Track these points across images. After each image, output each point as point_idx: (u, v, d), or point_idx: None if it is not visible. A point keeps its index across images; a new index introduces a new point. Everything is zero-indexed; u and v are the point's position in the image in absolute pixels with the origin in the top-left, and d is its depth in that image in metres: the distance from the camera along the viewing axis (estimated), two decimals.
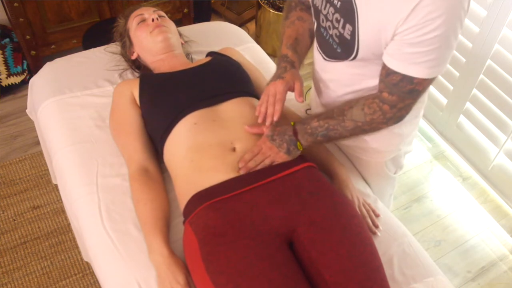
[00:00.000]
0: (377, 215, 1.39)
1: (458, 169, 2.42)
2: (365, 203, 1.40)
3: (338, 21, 1.16)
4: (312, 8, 1.28)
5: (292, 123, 1.29)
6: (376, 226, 1.37)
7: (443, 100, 2.42)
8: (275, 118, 1.26)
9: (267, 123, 1.27)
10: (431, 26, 1.01)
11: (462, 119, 2.35)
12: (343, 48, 1.20)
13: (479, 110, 2.22)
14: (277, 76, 1.29)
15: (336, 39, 1.21)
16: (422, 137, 2.56)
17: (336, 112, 1.24)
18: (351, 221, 1.20)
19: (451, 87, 2.32)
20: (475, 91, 2.20)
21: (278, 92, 1.26)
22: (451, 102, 2.36)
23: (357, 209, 1.36)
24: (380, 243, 1.32)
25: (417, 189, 2.33)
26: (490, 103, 2.14)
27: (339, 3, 1.14)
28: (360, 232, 1.19)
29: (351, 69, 1.24)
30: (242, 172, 1.24)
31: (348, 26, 1.14)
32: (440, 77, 2.36)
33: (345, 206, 1.23)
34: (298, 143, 1.27)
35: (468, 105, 2.27)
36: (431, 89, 2.45)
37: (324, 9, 1.20)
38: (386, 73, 1.13)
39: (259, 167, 1.26)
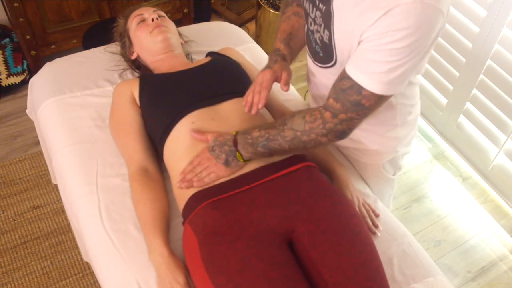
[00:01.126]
0: (377, 215, 1.39)
1: (458, 169, 2.42)
2: (364, 203, 1.40)
3: (320, 25, 1.16)
4: (304, 10, 1.27)
5: (234, 133, 1.25)
6: (376, 226, 1.37)
7: (443, 100, 2.42)
8: (260, 106, 1.23)
9: (253, 112, 1.25)
10: (394, 36, 0.98)
11: (462, 119, 2.35)
12: (324, 53, 1.20)
13: (479, 110, 2.22)
14: (266, 67, 1.28)
15: (319, 43, 1.20)
16: (422, 137, 2.56)
17: (279, 122, 1.20)
18: (351, 221, 1.20)
19: (451, 87, 2.32)
20: (475, 91, 2.20)
21: (264, 80, 1.23)
22: (451, 102, 2.36)
23: (357, 209, 1.36)
24: (380, 243, 1.32)
25: (417, 189, 2.33)
26: (490, 103, 2.14)
27: (323, 7, 1.13)
28: (360, 232, 1.19)
29: (335, 76, 1.21)
30: (182, 186, 1.23)
31: (326, 32, 1.14)
32: (440, 77, 2.36)
33: (345, 206, 1.23)
34: (238, 154, 1.22)
35: (468, 105, 2.27)
36: (431, 89, 2.45)
37: (312, 12, 1.19)
38: (341, 76, 1.10)
39: (195, 180, 1.23)
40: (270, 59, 1.31)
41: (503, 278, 2.02)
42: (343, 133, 1.14)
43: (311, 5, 1.19)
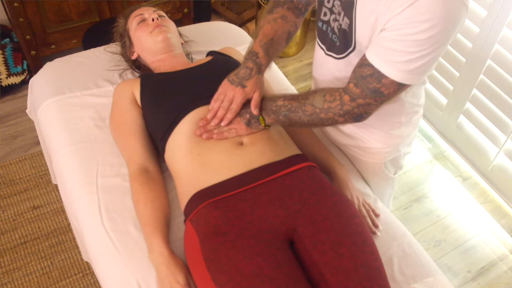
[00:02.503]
0: (377, 215, 1.39)
1: (458, 169, 2.42)
2: (365, 203, 1.40)
3: (339, 13, 1.17)
4: (317, 1, 1.27)
5: (262, 96, 1.29)
6: (376, 226, 1.37)
7: (443, 100, 2.42)
8: (223, 124, 1.28)
9: (213, 123, 1.28)
10: (418, 28, 0.99)
11: (462, 119, 2.35)
12: (342, 41, 1.20)
13: (479, 110, 2.22)
14: (239, 80, 1.27)
15: (337, 32, 1.20)
16: (422, 137, 2.56)
17: (301, 95, 1.24)
18: (351, 221, 1.20)
19: (451, 87, 2.32)
20: (475, 91, 2.20)
21: (234, 103, 1.27)
22: (451, 102, 2.36)
23: (357, 209, 1.36)
24: (380, 243, 1.32)
25: (417, 189, 2.33)
26: (490, 103, 2.14)
27: None
28: (360, 231, 1.19)
29: (347, 67, 1.24)
30: (197, 133, 1.27)
31: (345, 19, 1.14)
32: (440, 77, 2.36)
33: (346, 206, 1.23)
34: (261, 118, 1.27)
35: (468, 105, 2.27)
36: (431, 89, 2.45)
37: (328, 2, 1.20)
38: (361, 63, 1.12)
39: (215, 132, 1.27)
40: (245, 62, 1.29)
41: (503, 278, 2.02)
42: (360, 116, 1.18)
43: None
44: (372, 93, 1.11)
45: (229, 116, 1.27)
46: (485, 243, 2.13)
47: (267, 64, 1.31)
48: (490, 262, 2.07)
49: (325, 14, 1.23)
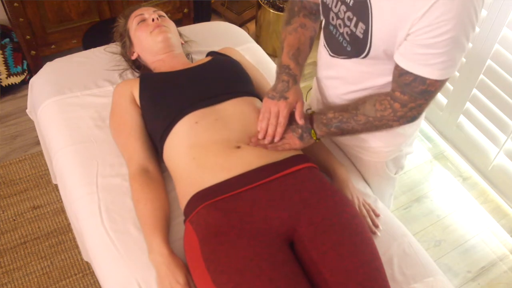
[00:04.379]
0: (377, 215, 1.39)
1: (458, 169, 2.42)
2: (365, 203, 1.40)
3: (350, 19, 1.16)
4: (320, 5, 1.27)
5: (312, 112, 1.31)
6: (376, 226, 1.37)
7: (443, 100, 2.42)
8: (276, 140, 1.29)
9: (266, 141, 1.29)
10: (444, 28, 1.01)
11: (462, 119, 2.35)
12: (353, 47, 1.20)
13: (479, 110, 2.23)
14: (279, 93, 1.29)
15: (347, 37, 1.20)
16: (422, 137, 2.56)
17: (351, 106, 1.26)
18: (351, 221, 1.20)
19: (451, 87, 2.32)
20: (475, 91, 2.20)
21: (281, 116, 1.28)
22: (451, 102, 2.36)
23: (357, 209, 1.36)
24: (380, 243, 1.32)
25: (417, 189, 2.33)
26: (490, 103, 2.14)
27: (351, 1, 1.14)
28: (360, 232, 1.19)
29: (359, 66, 1.24)
30: (252, 145, 1.28)
31: (361, 25, 1.14)
32: None
33: (346, 206, 1.23)
34: (313, 131, 1.29)
35: (468, 105, 2.27)
36: None
37: (335, 6, 1.20)
38: (399, 73, 1.13)
39: (270, 147, 1.28)
40: (280, 77, 1.31)
41: (503, 278, 2.02)
42: (414, 118, 1.21)
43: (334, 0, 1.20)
44: (421, 95, 1.13)
45: (280, 130, 1.28)
46: (485, 243, 2.13)
47: (301, 74, 1.33)
48: (490, 262, 2.07)
49: (333, 19, 1.23)
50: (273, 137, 1.29)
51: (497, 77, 2.07)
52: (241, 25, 3.04)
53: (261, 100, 1.42)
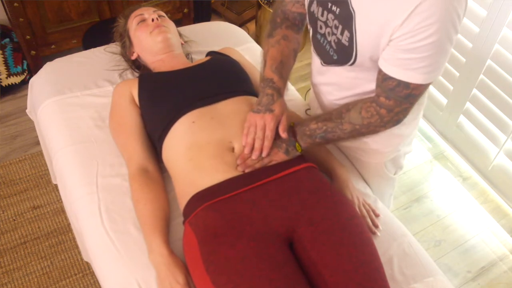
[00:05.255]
0: (377, 215, 1.39)
1: (458, 169, 2.42)
2: (365, 203, 1.40)
3: (337, 27, 1.16)
4: (307, 14, 1.27)
5: (291, 124, 1.29)
6: (376, 226, 1.37)
7: (443, 100, 2.42)
8: (264, 154, 1.25)
9: (254, 156, 1.25)
10: (425, 33, 1.01)
11: (462, 119, 2.35)
12: (340, 55, 1.20)
13: (479, 110, 2.22)
14: (265, 107, 1.26)
15: (334, 46, 1.20)
16: (422, 137, 2.56)
17: (334, 114, 1.24)
18: (351, 221, 1.20)
19: (451, 87, 2.32)
20: (475, 91, 2.20)
21: (268, 129, 1.24)
22: (451, 102, 2.36)
23: (357, 209, 1.36)
24: (380, 243, 1.32)
25: (417, 189, 2.33)
26: (490, 103, 2.14)
27: (337, 9, 1.14)
28: (360, 232, 1.18)
29: (349, 73, 1.24)
30: (239, 169, 1.24)
31: (346, 33, 1.14)
32: (440, 77, 2.35)
33: (345, 206, 1.23)
34: (297, 144, 1.27)
35: (468, 105, 2.27)
36: (431, 89, 2.45)
37: (322, 15, 1.20)
38: (383, 78, 1.13)
39: (257, 165, 1.25)
40: (263, 91, 1.29)
41: (503, 278, 2.02)
42: (399, 121, 1.20)
43: (320, 8, 1.19)
44: (406, 100, 1.13)
45: (267, 144, 1.25)
46: (485, 243, 2.13)
47: (285, 86, 1.32)
48: (490, 262, 2.07)
49: (321, 27, 1.23)
50: (261, 152, 1.25)
51: (497, 77, 2.07)
52: (241, 25, 3.04)
53: None
